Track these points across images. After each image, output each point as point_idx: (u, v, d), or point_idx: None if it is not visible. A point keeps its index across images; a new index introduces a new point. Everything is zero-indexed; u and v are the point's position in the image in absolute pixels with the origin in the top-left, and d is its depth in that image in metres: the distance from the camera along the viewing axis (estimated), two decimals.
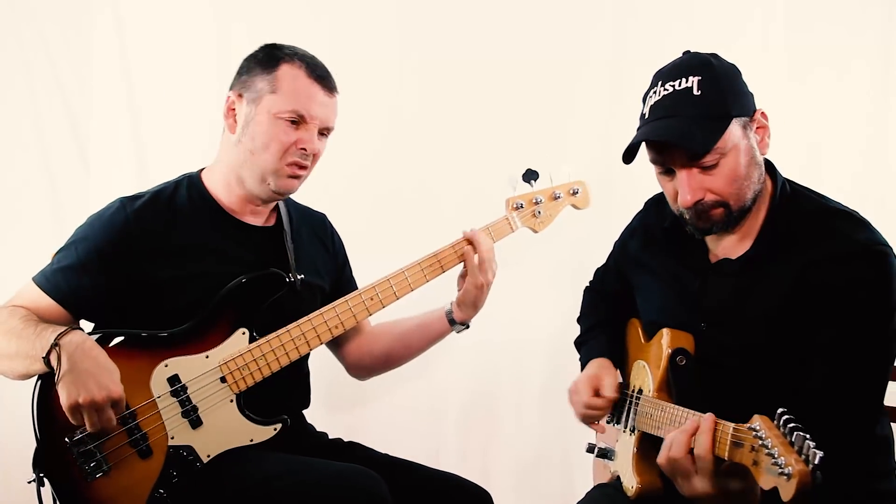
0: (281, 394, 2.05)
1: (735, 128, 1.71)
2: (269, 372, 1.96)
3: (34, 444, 1.85)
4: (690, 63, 1.75)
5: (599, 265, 2.27)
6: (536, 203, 2.20)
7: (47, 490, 1.85)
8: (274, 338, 1.97)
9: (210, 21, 2.94)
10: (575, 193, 2.25)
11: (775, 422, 1.43)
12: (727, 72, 1.75)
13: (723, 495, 1.54)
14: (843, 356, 1.65)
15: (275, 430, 1.95)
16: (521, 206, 2.20)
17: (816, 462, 1.33)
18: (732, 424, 1.52)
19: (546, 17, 2.98)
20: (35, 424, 1.84)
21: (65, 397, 1.75)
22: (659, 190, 2.02)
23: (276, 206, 2.12)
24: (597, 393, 1.95)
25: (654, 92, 1.76)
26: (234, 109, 2.00)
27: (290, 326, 1.98)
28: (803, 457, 1.35)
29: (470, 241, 2.11)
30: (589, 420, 2.00)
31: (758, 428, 1.44)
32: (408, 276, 2.07)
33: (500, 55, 2.98)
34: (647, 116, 1.76)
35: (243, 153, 1.98)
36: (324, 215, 2.30)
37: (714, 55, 1.77)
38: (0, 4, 2.85)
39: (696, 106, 1.70)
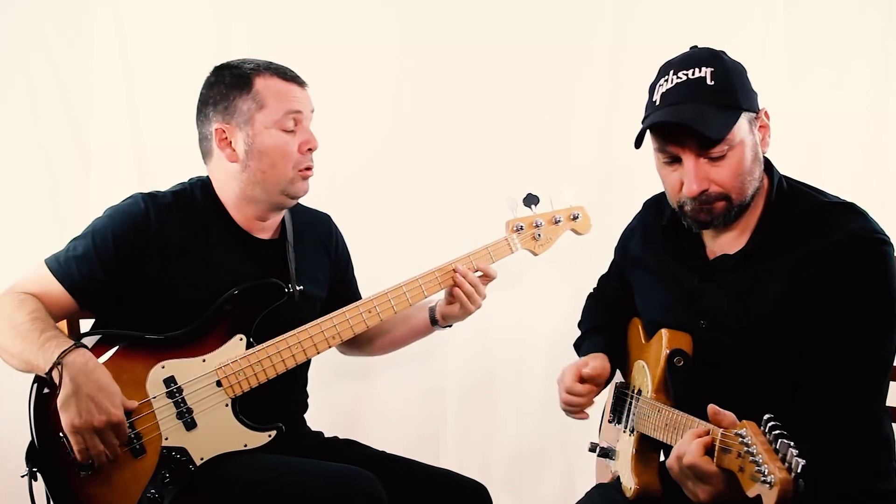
0: (276, 401, 2.05)
1: (743, 122, 1.72)
2: (265, 378, 1.97)
3: (28, 438, 1.85)
4: (701, 55, 1.76)
5: (598, 269, 2.27)
6: (536, 226, 2.21)
7: (40, 485, 1.85)
8: (271, 345, 1.98)
9: (210, 21, 2.94)
10: (575, 218, 2.26)
11: (762, 428, 1.43)
12: (736, 67, 1.76)
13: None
14: (846, 348, 1.65)
15: (269, 436, 1.96)
16: (521, 229, 2.21)
17: (799, 470, 1.33)
18: (721, 429, 1.52)
19: (546, 18, 2.98)
20: (31, 418, 1.84)
21: (65, 420, 1.76)
22: (654, 191, 2.04)
23: (282, 218, 2.14)
24: (581, 380, 1.95)
25: (666, 80, 1.75)
26: (225, 139, 1.99)
27: (287, 335, 2.00)
28: (786, 465, 1.35)
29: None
30: (571, 407, 1.98)
31: (744, 434, 1.43)
32: (406, 291, 2.08)
33: (498, 56, 2.98)
34: (657, 103, 1.75)
35: (255, 175, 2.00)
36: (328, 216, 2.31)
37: (722, 51, 1.78)
38: (0, 4, 2.85)
39: (710, 95, 1.70)
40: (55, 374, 1.78)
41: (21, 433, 1.87)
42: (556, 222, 2.24)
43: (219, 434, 1.93)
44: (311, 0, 3.00)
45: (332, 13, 2.98)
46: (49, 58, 2.88)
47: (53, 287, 1.93)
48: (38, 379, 1.86)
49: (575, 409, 1.99)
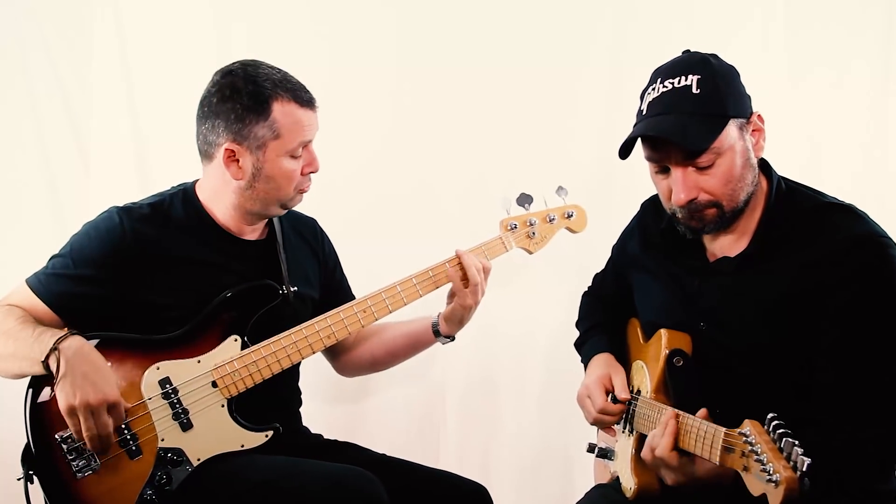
0: (272, 401, 2.06)
1: (732, 129, 1.71)
2: (261, 379, 1.98)
3: (23, 442, 1.86)
4: (690, 62, 1.75)
5: (598, 270, 2.27)
6: (531, 225, 2.22)
7: (37, 488, 1.86)
8: (265, 346, 1.98)
9: (210, 21, 2.94)
10: (570, 217, 2.26)
11: (765, 427, 1.43)
12: (726, 72, 1.75)
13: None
14: (855, 352, 1.65)
15: (266, 436, 1.97)
16: (515, 227, 2.21)
17: (804, 469, 1.34)
18: (724, 429, 1.52)
19: (547, 18, 2.98)
20: (26, 421, 1.85)
21: (62, 400, 1.78)
22: (653, 192, 2.03)
23: (269, 219, 2.14)
24: (608, 394, 1.95)
25: (653, 89, 1.76)
26: (234, 158, 1.96)
27: (282, 335, 2.00)
28: (791, 463, 1.36)
29: (460, 262, 2.11)
30: (602, 425, 1.99)
31: (748, 433, 1.44)
32: (401, 290, 2.09)
33: (498, 56, 2.97)
34: (644, 113, 1.76)
35: (258, 194, 2.00)
36: (314, 220, 2.31)
37: (713, 55, 1.77)
38: (0, 4, 2.85)
39: (694, 104, 1.70)
40: (52, 360, 1.79)
41: (18, 437, 1.88)
42: (551, 220, 2.24)
43: (215, 435, 1.94)
44: (310, 1, 2.99)
45: (332, 13, 2.97)
46: (49, 58, 2.88)
47: (36, 305, 1.95)
48: (33, 382, 1.87)
49: (606, 426, 2.00)
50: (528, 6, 2.98)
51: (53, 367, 1.79)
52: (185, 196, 2.07)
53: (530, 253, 2.24)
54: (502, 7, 2.98)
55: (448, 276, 2.11)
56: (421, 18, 2.98)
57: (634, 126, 1.79)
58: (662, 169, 1.77)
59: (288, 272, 2.09)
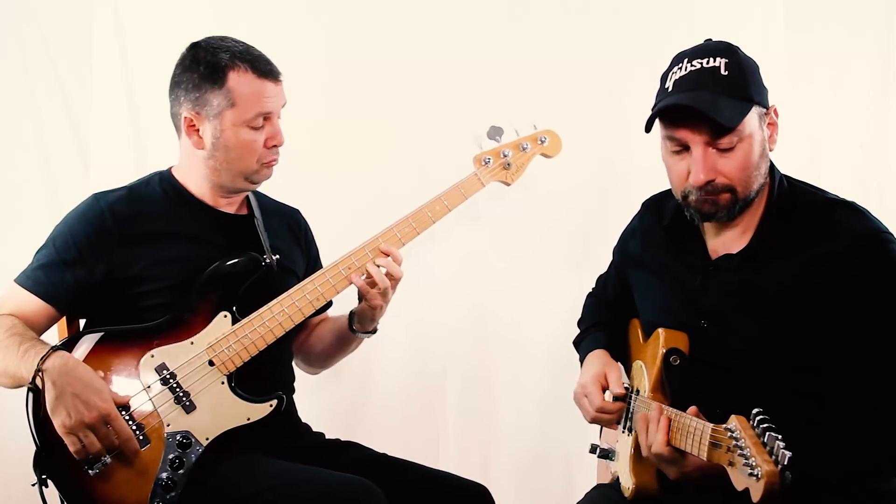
0: (271, 372, 2.06)
1: (753, 116, 1.72)
2: (256, 350, 1.97)
3: (32, 447, 1.85)
4: (717, 47, 1.77)
5: (599, 271, 2.26)
6: (504, 156, 2.19)
7: (51, 491, 1.85)
8: (256, 317, 1.98)
9: (210, 21, 2.94)
10: (543, 142, 2.23)
11: (751, 422, 1.43)
12: (750, 62, 1.77)
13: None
14: (862, 350, 1.65)
15: (270, 406, 1.96)
16: (489, 162, 2.18)
17: (785, 463, 1.34)
18: (711, 425, 1.53)
19: (547, 18, 2.98)
20: (31, 426, 1.85)
21: (58, 424, 1.77)
22: (654, 191, 2.04)
23: (247, 196, 2.16)
24: (605, 391, 1.95)
25: (679, 68, 1.76)
26: (193, 127, 2.00)
27: (270, 304, 1.99)
28: (773, 457, 1.36)
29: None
30: (601, 423, 1.99)
31: (733, 428, 1.45)
32: (382, 241, 2.07)
33: (498, 54, 2.98)
34: (670, 90, 1.76)
35: (219, 164, 2.01)
36: (297, 211, 2.31)
37: (736, 46, 1.78)
38: (0, 4, 2.85)
39: (724, 84, 1.71)
40: (38, 382, 1.79)
41: (26, 443, 1.87)
42: (524, 149, 2.21)
43: (220, 412, 1.93)
44: (310, 1, 2.99)
45: (332, 12, 2.98)
46: (49, 58, 2.88)
47: (29, 301, 1.95)
48: (32, 388, 1.86)
49: (607, 424, 1.99)
50: (527, 4, 2.98)
51: (41, 388, 1.79)
52: (161, 177, 2.10)
53: (508, 184, 2.21)
54: (502, 4, 2.98)
55: (431, 223, 2.11)
56: (420, 16, 2.99)
57: (656, 104, 1.78)
58: (680, 149, 1.76)
59: (270, 245, 2.09)
